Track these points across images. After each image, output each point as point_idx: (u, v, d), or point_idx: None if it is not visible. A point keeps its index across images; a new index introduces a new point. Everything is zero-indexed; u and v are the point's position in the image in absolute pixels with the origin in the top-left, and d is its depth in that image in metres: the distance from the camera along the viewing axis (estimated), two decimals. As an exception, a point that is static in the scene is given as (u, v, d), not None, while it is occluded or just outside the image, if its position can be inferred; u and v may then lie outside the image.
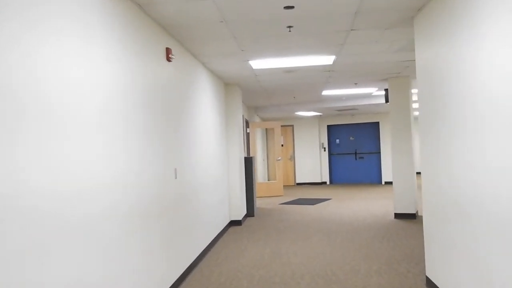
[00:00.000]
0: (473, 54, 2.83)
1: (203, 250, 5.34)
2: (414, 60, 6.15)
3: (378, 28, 4.45)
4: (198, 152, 5.37)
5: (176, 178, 4.30)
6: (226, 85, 7.63)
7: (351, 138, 14.84)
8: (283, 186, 14.65)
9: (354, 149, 14.78)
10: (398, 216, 7.60)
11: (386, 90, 7.86)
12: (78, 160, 2.44)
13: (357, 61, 6.11)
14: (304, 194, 12.01)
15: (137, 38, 3.42)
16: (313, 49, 5.26)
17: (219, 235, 6.46)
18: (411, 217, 7.51)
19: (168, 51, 4.15)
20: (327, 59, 5.84)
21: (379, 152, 14.41)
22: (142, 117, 3.46)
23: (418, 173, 14.42)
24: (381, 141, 14.27)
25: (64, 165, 2.29)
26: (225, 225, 7.00)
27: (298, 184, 14.86)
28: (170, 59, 4.19)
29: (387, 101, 7.83)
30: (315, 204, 9.85)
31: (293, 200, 10.64)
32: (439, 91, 3.48)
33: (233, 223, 7.52)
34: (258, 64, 5.92)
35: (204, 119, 5.80)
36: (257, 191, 11.74)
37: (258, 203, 10.43)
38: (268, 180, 14.43)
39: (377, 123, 14.46)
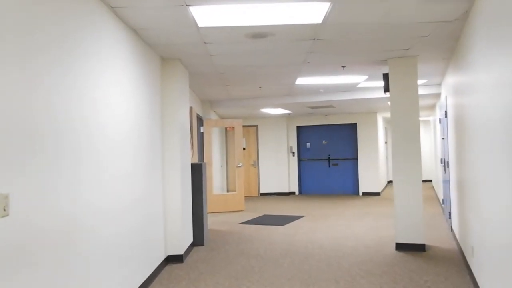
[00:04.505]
0: None
1: (100, 331, 3.03)
2: (449, 22, 4.03)
3: None
4: (94, 160, 3.06)
5: (5, 214, 1.98)
6: (164, 61, 5.32)
7: (324, 141, 12.81)
8: (245, 197, 12.41)
9: (327, 154, 12.76)
10: (401, 247, 5.53)
11: (385, 75, 5.80)
12: None
13: (358, 21, 3.99)
14: (269, 208, 9.82)
15: None
16: (297, -16, 3.08)
17: (145, 284, 4.15)
18: (419, 249, 5.46)
19: None
20: (317, 12, 3.67)
21: (356, 158, 12.44)
22: None
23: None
24: (358, 146, 12.31)
25: None
26: (156, 266, 4.69)
27: (262, 194, 12.66)
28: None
29: (386, 90, 5.77)
30: (285, 224, 7.68)
31: (256, 218, 8.43)
32: None
33: (172, 260, 5.21)
34: (206, 15, 3.67)
35: (115, 107, 3.50)
36: (212, 205, 9.45)
37: (212, 221, 8.15)
38: (228, 190, 12.17)
39: (354, 125, 12.50)
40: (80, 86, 2.84)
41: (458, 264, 4.81)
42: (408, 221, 5.52)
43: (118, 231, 3.53)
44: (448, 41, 4.80)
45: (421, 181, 5.51)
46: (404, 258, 5.14)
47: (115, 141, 3.50)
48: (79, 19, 2.87)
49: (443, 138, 7.59)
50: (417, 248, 5.47)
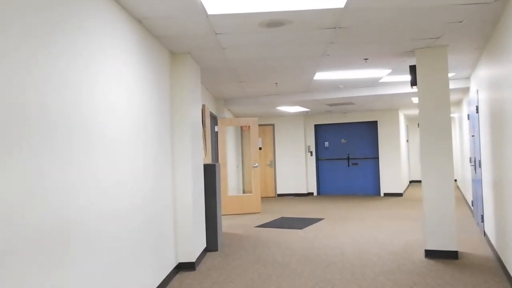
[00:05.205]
0: None
1: None
2: (487, 4, 3.58)
3: None
4: (91, 160, 2.73)
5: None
6: (173, 56, 4.99)
7: (343, 140, 12.36)
8: (261, 198, 12.04)
9: (347, 153, 12.30)
10: (431, 254, 5.09)
11: (412, 67, 5.36)
12: None
13: (384, 5, 3.58)
14: (287, 210, 9.43)
15: None
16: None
17: (151, 298, 3.82)
18: (451, 257, 5.01)
19: None
20: (338, -5, 3.29)
21: (377, 158, 11.96)
22: None
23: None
24: (379, 144, 11.82)
25: None
26: (166, 274, 4.35)
27: (279, 195, 12.27)
28: None
29: (413, 84, 5.33)
30: (303, 227, 7.28)
31: (273, 221, 8.05)
32: None
33: (183, 267, 4.87)
34: (215, 1, 3.31)
35: (118, 103, 3.17)
36: (227, 207, 9.11)
37: (227, 224, 7.81)
38: (244, 192, 11.82)
39: (375, 123, 12.02)
40: (75, 74, 2.51)
41: (497, 274, 4.35)
42: (438, 226, 5.07)
43: (121, 236, 3.20)
44: (484, 28, 4.34)
45: (453, 182, 5.05)
46: (436, 266, 4.70)
47: (114, 140, 3.16)
48: (85, 9, 2.54)
49: (472, 136, 7.09)
50: (449, 256, 5.01)
